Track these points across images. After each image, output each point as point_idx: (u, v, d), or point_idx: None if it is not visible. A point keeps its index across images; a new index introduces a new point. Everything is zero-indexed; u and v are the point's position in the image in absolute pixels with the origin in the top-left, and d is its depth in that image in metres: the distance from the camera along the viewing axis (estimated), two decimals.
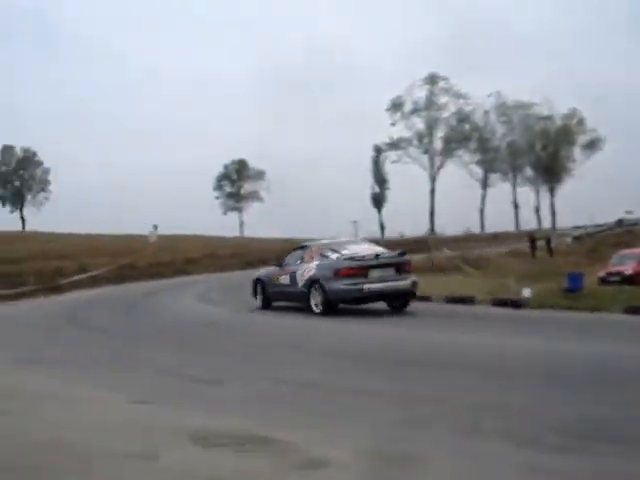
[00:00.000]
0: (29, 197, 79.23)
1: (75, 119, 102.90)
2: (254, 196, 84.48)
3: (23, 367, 9.72)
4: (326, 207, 79.55)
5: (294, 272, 15.15)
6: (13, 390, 8.04)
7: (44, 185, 79.41)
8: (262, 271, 17.35)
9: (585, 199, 64.78)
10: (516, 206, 76.73)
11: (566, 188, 73.99)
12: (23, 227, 73.76)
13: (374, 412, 6.01)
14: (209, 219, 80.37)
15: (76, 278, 29.85)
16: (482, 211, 76.08)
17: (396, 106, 74.77)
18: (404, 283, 14.07)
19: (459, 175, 74.73)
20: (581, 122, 74.71)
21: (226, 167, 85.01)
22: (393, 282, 13.97)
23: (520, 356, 8.61)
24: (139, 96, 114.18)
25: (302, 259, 15.26)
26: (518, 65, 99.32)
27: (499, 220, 74.07)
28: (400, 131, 75.70)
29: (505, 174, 77.95)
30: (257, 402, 6.71)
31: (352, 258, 14.16)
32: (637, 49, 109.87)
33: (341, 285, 13.85)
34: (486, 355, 8.82)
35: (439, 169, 76.27)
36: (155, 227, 42.99)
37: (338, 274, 13.95)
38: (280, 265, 16.12)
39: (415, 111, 75.24)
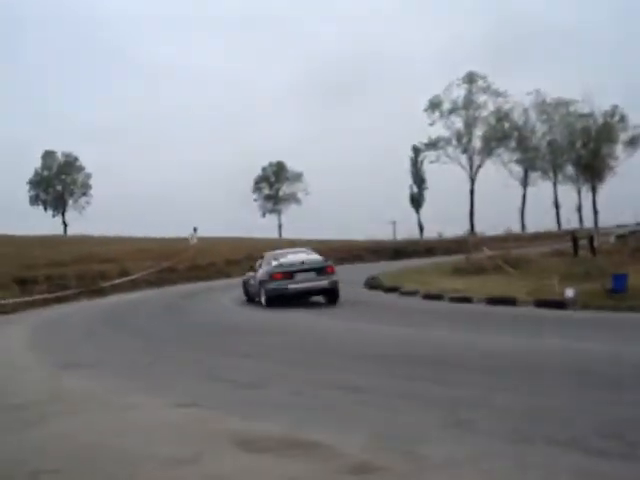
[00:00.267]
0: (70, 202, 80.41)
1: (117, 122, 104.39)
2: (292, 198, 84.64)
3: (68, 370, 9.88)
4: (365, 208, 79.66)
5: (255, 275, 19.36)
6: (60, 392, 8.18)
7: (85, 190, 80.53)
8: (247, 274, 20.99)
9: (628, 197, 63.13)
10: (557, 205, 75.56)
11: (608, 186, 72.63)
12: (65, 231, 74.86)
13: (419, 416, 5.90)
14: (248, 221, 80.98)
15: (117, 281, 30.28)
16: (522, 210, 74.95)
17: (434, 106, 74.04)
18: (323, 283, 17.79)
19: (499, 174, 73.59)
20: (623, 119, 73.38)
21: (264, 169, 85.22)
22: (313, 282, 17.75)
23: (565, 358, 8.45)
24: (180, 99, 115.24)
25: (260, 265, 19.37)
26: (557, 62, 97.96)
27: (540, 219, 73.24)
28: (438, 131, 75.03)
29: (545, 173, 76.69)
30: (302, 406, 6.60)
31: (281, 265, 18.06)
32: None
33: (274, 285, 17.86)
34: (531, 357, 8.68)
35: (478, 168, 75.28)
36: (195, 230, 43.55)
37: (272, 277, 17.99)
38: (254, 270, 19.93)
39: (453, 110, 74.33)
